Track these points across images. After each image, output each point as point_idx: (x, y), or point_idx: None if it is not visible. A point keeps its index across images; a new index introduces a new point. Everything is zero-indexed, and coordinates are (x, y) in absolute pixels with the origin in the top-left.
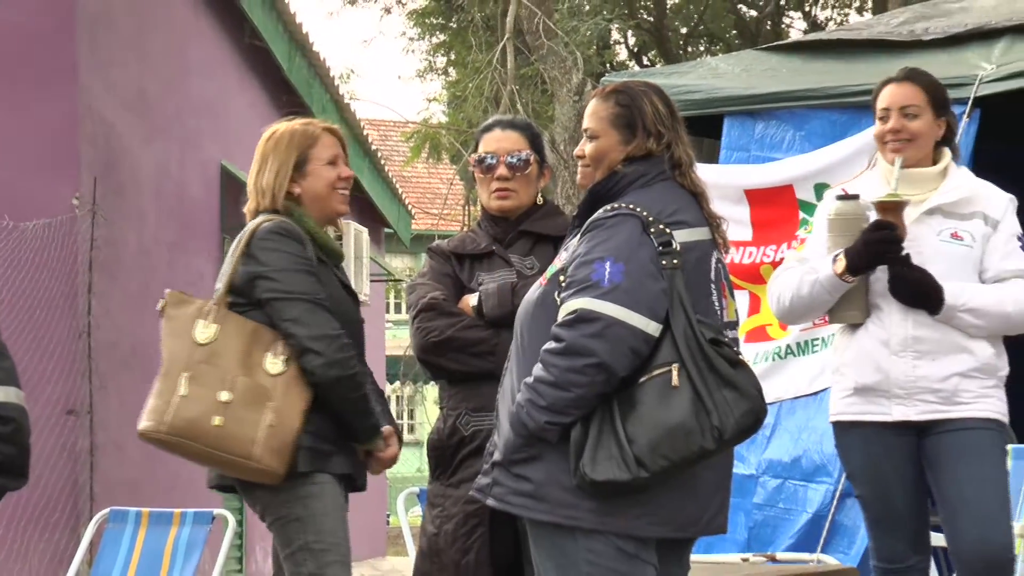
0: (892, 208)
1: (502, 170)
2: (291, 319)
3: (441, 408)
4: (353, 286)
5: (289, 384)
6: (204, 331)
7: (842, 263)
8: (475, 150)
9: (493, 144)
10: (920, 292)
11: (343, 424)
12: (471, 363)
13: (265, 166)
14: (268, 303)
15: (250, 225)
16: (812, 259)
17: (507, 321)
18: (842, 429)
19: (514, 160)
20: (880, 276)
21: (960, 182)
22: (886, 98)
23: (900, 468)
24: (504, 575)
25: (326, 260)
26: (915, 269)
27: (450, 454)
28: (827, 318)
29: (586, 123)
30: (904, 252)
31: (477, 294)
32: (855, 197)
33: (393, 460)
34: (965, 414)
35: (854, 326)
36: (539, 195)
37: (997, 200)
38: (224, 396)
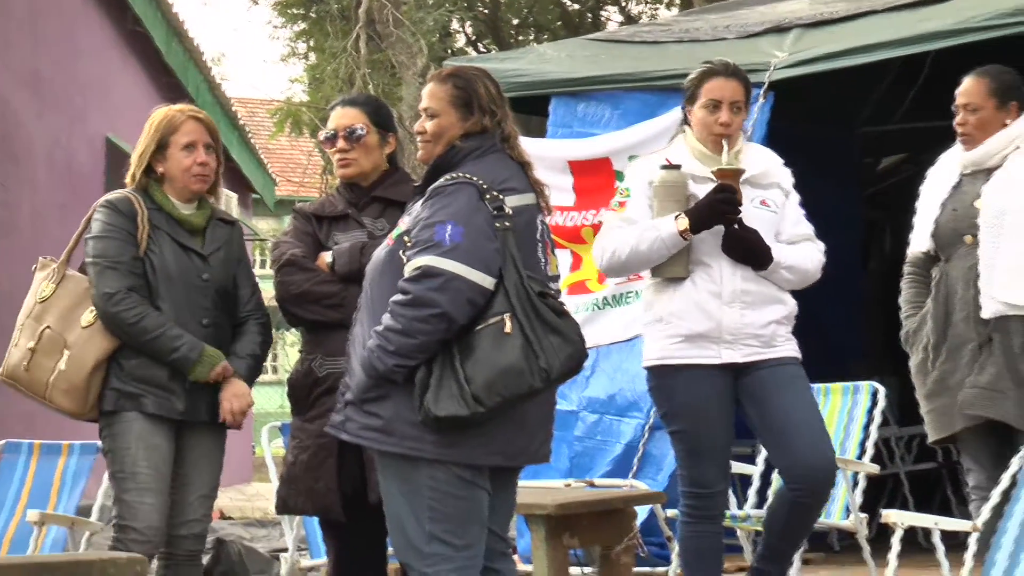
0: (731, 175)
1: (341, 143)
2: (91, 279)
3: (299, 350)
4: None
5: (93, 334)
6: (43, 290)
7: (684, 222)
8: (326, 124)
9: (335, 121)
10: (752, 250)
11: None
12: (324, 313)
13: (140, 144)
14: (87, 264)
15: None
16: (640, 220)
17: (356, 277)
18: (666, 371)
19: (350, 133)
20: (704, 237)
21: (758, 155)
22: (717, 90)
23: (723, 405)
24: (350, 500)
25: (162, 227)
26: (748, 230)
27: (305, 393)
28: (646, 274)
29: (426, 103)
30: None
31: (331, 252)
32: (678, 167)
33: (242, 404)
34: (779, 354)
35: (675, 281)
36: (385, 161)
37: (785, 171)
38: (31, 345)
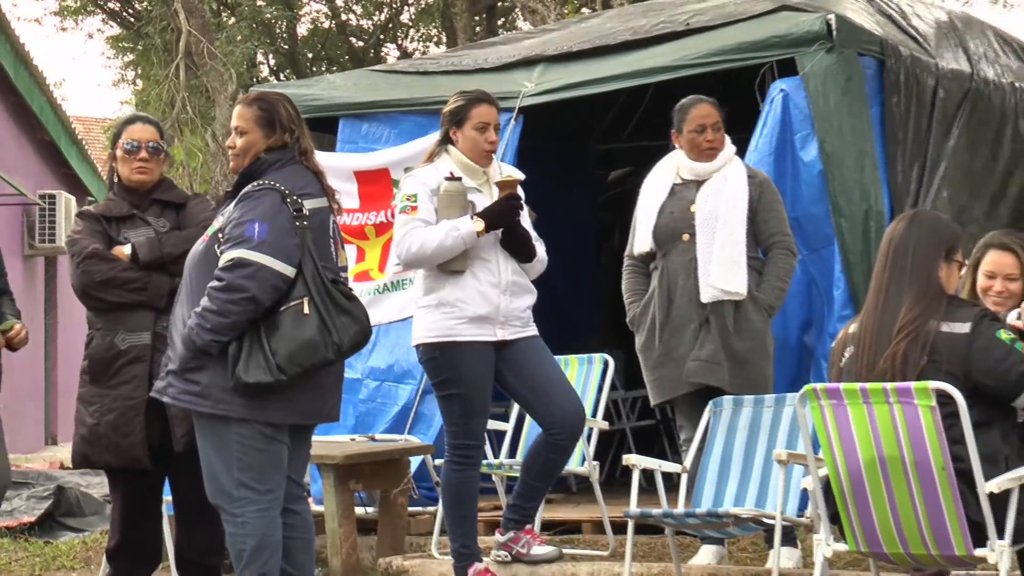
0: (512, 184)
1: (144, 154)
2: None
3: (97, 329)
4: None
5: None
6: None
7: (480, 224)
8: (119, 136)
9: (137, 134)
10: (526, 246)
11: None
12: (128, 297)
13: None
14: None
15: None
16: (431, 221)
17: (156, 264)
18: (450, 346)
19: (153, 147)
20: (483, 237)
21: (501, 166)
22: (486, 114)
23: (491, 374)
24: (156, 451)
25: None
26: (524, 229)
27: (108, 364)
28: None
29: (235, 123)
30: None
31: (130, 245)
32: (459, 179)
33: (20, 341)
34: (532, 332)
35: (457, 273)
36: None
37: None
38: None
